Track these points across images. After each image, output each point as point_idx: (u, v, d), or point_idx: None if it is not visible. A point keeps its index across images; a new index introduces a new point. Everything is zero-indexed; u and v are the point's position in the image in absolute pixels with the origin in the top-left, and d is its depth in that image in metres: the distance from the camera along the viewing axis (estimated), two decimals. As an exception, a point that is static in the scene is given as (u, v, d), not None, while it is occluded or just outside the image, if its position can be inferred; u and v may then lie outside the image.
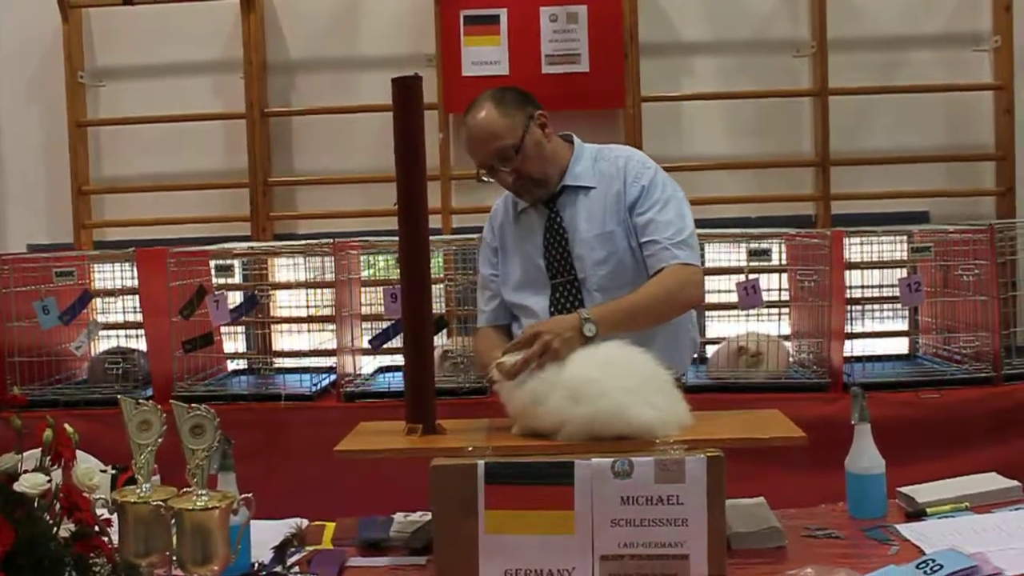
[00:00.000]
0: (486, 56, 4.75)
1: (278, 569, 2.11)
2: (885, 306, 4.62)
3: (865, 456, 2.38)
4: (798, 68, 4.87)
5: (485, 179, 2.72)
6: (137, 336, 4.31)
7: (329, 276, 4.19)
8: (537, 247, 2.75)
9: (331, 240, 4.18)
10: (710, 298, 4.69)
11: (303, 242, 4.44)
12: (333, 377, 4.20)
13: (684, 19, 4.91)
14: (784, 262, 4.41)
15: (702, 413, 2.70)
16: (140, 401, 1.84)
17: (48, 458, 1.80)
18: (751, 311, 4.17)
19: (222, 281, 4.43)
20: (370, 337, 4.20)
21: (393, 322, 4.01)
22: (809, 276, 4.06)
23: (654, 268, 2.62)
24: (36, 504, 1.72)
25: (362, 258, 4.43)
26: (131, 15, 4.91)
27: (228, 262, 4.34)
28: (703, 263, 3.68)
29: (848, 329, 4.07)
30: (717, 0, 4.90)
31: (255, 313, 4.45)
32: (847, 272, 4.07)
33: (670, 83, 4.89)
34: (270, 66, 4.96)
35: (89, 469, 1.86)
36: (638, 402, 2.16)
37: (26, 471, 1.76)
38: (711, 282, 4.70)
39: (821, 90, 4.75)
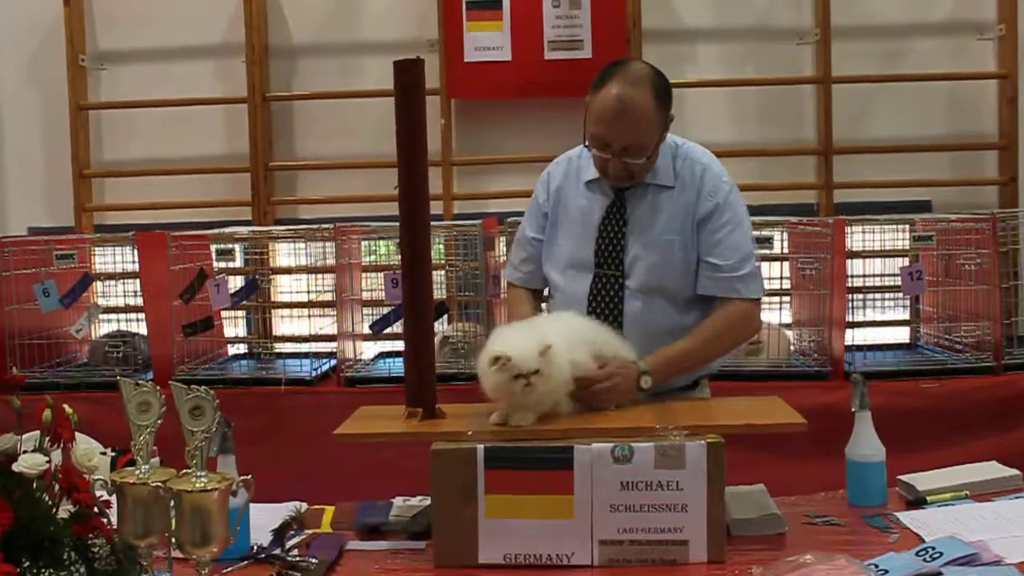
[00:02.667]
0: (489, 42, 4.73)
1: (277, 552, 2.11)
2: (886, 295, 4.63)
3: (865, 444, 2.38)
4: (801, 56, 4.85)
5: (589, 148, 2.52)
6: (138, 320, 4.31)
7: (330, 261, 4.19)
8: (590, 230, 2.60)
9: (332, 225, 4.18)
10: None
11: (304, 227, 4.44)
12: (333, 362, 4.21)
13: (687, 6, 4.89)
14: (786, 250, 4.40)
15: (702, 399, 2.70)
16: (139, 382, 1.83)
17: (47, 439, 1.80)
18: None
19: (223, 265, 4.42)
20: (371, 322, 4.19)
21: (394, 307, 4.01)
22: (811, 264, 4.05)
23: (710, 292, 2.54)
24: (35, 485, 1.71)
25: (363, 243, 4.43)
26: (133, -2, 4.90)
27: (229, 246, 4.34)
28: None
29: (849, 318, 4.07)
30: (720, -13, 4.89)
31: (256, 297, 4.45)
32: (849, 261, 4.07)
33: (673, 70, 4.79)
34: (272, 50, 4.95)
35: (88, 450, 1.86)
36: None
37: (25, 452, 1.76)
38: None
39: (824, 78, 4.74)
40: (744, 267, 2.53)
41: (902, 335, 4.72)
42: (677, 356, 2.47)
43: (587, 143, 2.52)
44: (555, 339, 2.22)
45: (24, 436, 1.81)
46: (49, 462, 1.74)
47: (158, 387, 1.83)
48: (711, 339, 2.53)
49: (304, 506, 2.39)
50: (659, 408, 2.32)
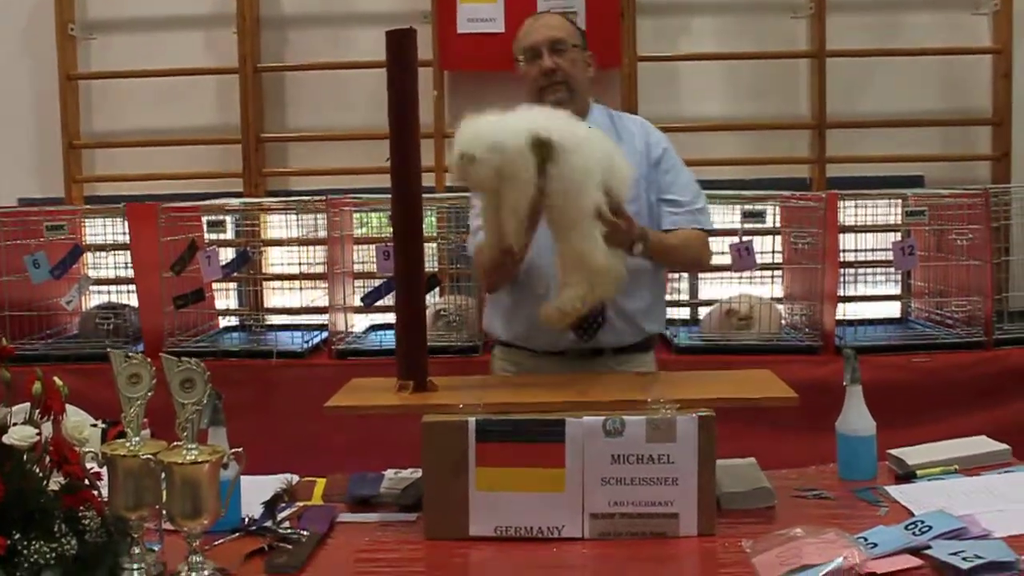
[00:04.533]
0: (482, 13, 4.69)
1: (268, 524, 2.11)
2: (878, 270, 4.63)
3: (856, 418, 2.39)
4: (796, 29, 4.83)
5: (521, 62, 2.72)
6: (128, 292, 4.29)
7: (322, 233, 4.17)
8: None
9: (324, 197, 4.16)
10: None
11: (296, 199, 4.43)
12: (325, 334, 4.20)
13: (682, -22, 4.87)
14: (778, 224, 4.40)
15: (693, 373, 2.71)
16: (130, 354, 1.83)
17: (37, 411, 1.80)
18: (744, 273, 4.16)
19: (214, 237, 4.41)
20: (362, 295, 4.19)
21: (385, 280, 4.00)
22: (803, 239, 4.05)
23: (675, 226, 2.71)
24: (25, 457, 1.71)
25: (355, 215, 4.41)
26: (122, -33, 4.86)
27: (220, 218, 4.32)
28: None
29: (841, 292, 4.07)
30: (715, -41, 4.86)
31: (247, 269, 4.44)
32: (841, 235, 4.06)
33: (667, 43, 4.85)
34: (263, 20, 4.91)
35: (79, 422, 1.86)
36: None
37: (15, 424, 1.75)
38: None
39: (818, 52, 4.72)
40: (699, 201, 2.77)
41: (893, 310, 4.73)
42: (663, 242, 2.62)
43: (520, 63, 2.72)
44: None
45: (14, 408, 1.81)
46: (39, 434, 1.74)
47: (148, 359, 1.82)
48: (685, 246, 2.71)
49: (295, 478, 2.40)
50: (650, 381, 2.32)
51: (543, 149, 2.21)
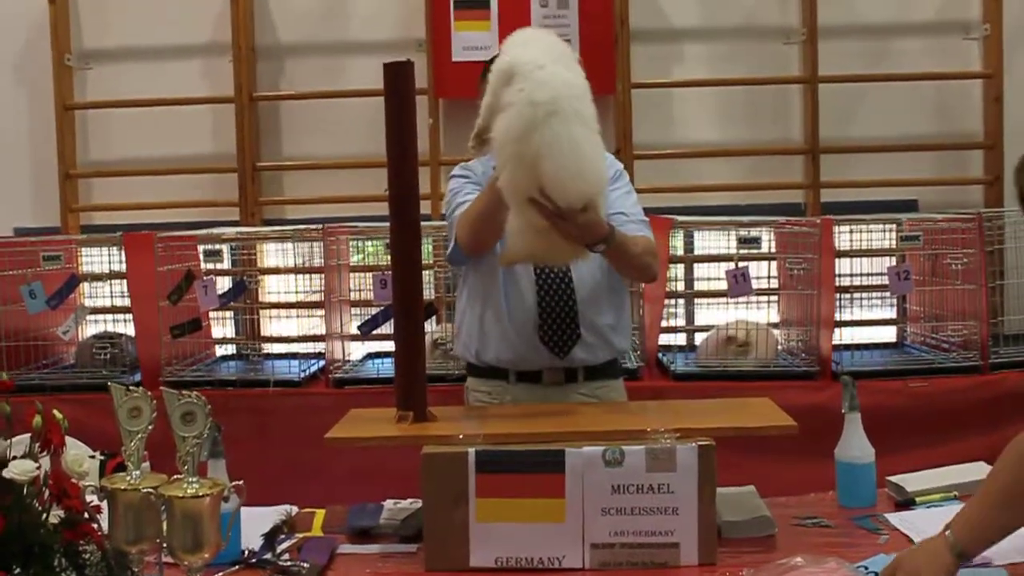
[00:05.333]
0: (477, 41, 4.72)
1: (268, 556, 2.11)
2: (874, 294, 4.65)
3: (855, 445, 2.39)
4: (788, 55, 4.86)
5: None
6: (125, 321, 4.29)
7: (318, 261, 4.18)
8: None
9: (320, 225, 4.17)
10: (699, 285, 4.71)
11: (292, 227, 4.43)
12: (322, 363, 4.20)
13: (674, 5, 4.89)
14: (773, 250, 4.41)
15: (692, 401, 2.71)
16: (131, 388, 1.83)
17: (37, 444, 1.79)
18: (740, 299, 4.16)
19: (210, 266, 4.41)
20: (359, 323, 4.19)
21: (382, 308, 4.00)
22: (798, 264, 4.06)
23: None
24: (25, 491, 1.71)
25: (351, 243, 4.42)
26: (118, -3, 4.88)
27: (216, 247, 4.32)
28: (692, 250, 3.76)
29: (837, 317, 4.08)
30: (708, -14, 4.90)
31: (243, 298, 4.44)
32: (836, 260, 4.08)
33: (660, 70, 4.88)
34: (259, 50, 4.93)
35: (79, 456, 1.85)
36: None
37: (15, 457, 1.75)
38: (700, 269, 4.72)
39: (811, 78, 4.75)
40: (644, 218, 2.81)
41: (889, 334, 4.74)
42: (624, 241, 2.57)
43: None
44: None
45: (13, 440, 1.80)
46: (39, 468, 1.74)
47: (149, 392, 1.82)
48: (641, 251, 2.68)
49: (295, 509, 2.39)
50: (649, 410, 2.32)
51: None
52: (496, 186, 2.36)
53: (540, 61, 2.29)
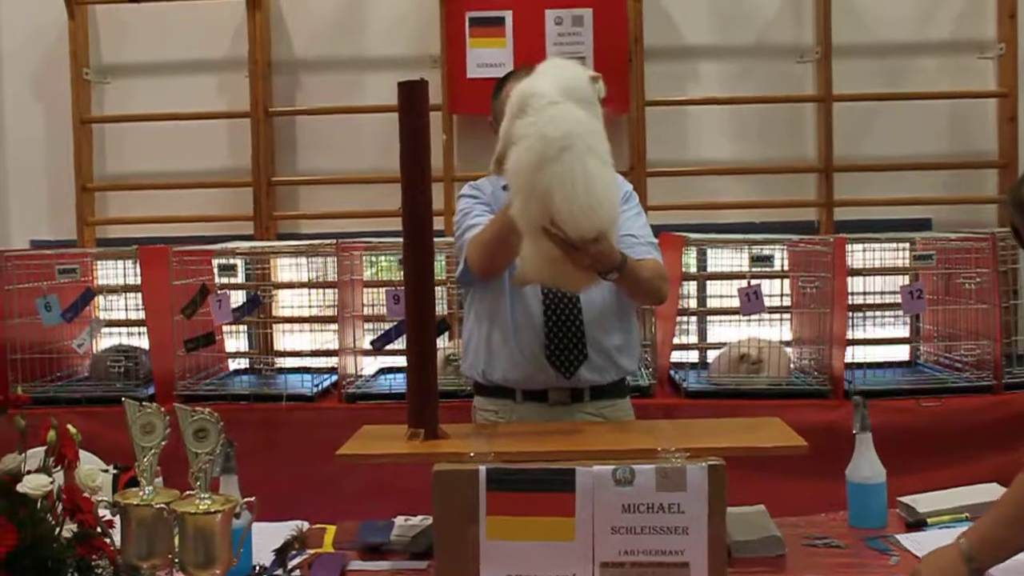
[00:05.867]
0: (491, 58, 4.74)
1: (279, 572, 2.12)
2: (887, 313, 4.63)
3: (866, 466, 2.39)
4: (802, 74, 4.87)
5: None
6: (140, 334, 4.30)
7: (332, 276, 4.19)
8: None
9: (334, 240, 4.19)
10: (712, 303, 4.71)
11: (306, 242, 4.45)
12: (334, 378, 4.21)
13: (689, 24, 4.91)
14: (786, 268, 4.41)
15: (702, 420, 2.71)
16: (144, 404, 1.84)
17: (51, 459, 1.81)
18: (753, 317, 4.16)
19: (225, 280, 4.43)
20: (372, 338, 4.20)
21: (395, 324, 4.01)
22: (811, 282, 4.06)
23: (635, 256, 2.67)
24: (39, 505, 1.72)
25: (365, 258, 4.43)
26: (137, 12, 4.91)
27: (231, 261, 4.34)
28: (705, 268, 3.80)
29: (849, 335, 4.07)
30: (722, 5, 4.90)
31: (257, 313, 4.45)
32: (849, 279, 4.07)
33: (674, 88, 4.89)
34: (275, 65, 4.97)
35: (92, 471, 1.87)
36: None
37: (29, 471, 1.77)
38: (713, 287, 4.72)
39: (825, 96, 4.76)
40: (654, 239, 2.82)
41: (902, 353, 4.72)
42: (635, 271, 2.56)
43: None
44: None
45: (27, 453, 1.82)
46: (53, 482, 1.75)
47: (162, 408, 1.83)
48: (651, 276, 2.67)
49: (306, 525, 2.40)
50: (660, 429, 2.32)
51: None
52: (509, 214, 2.37)
53: (555, 97, 2.28)
